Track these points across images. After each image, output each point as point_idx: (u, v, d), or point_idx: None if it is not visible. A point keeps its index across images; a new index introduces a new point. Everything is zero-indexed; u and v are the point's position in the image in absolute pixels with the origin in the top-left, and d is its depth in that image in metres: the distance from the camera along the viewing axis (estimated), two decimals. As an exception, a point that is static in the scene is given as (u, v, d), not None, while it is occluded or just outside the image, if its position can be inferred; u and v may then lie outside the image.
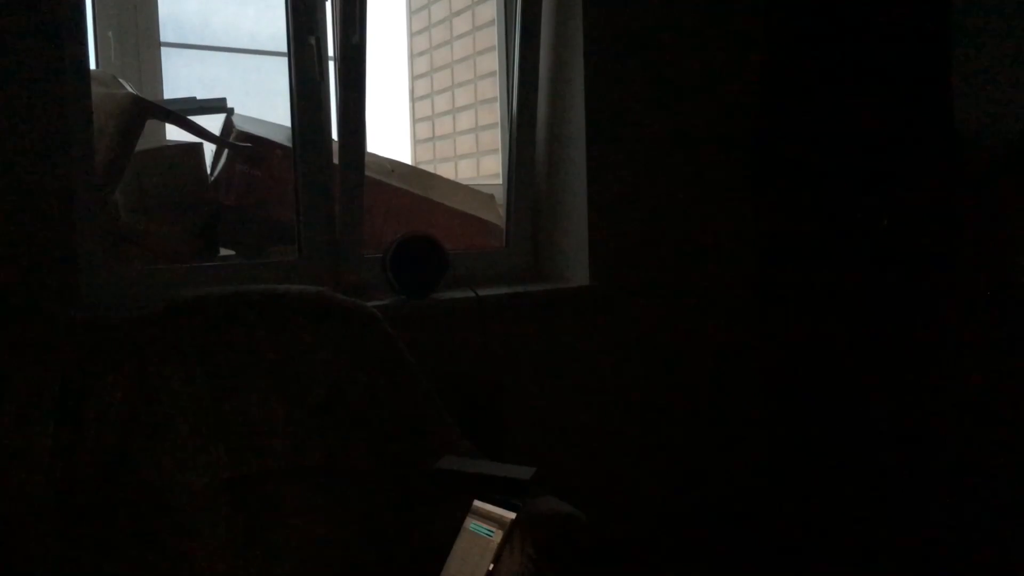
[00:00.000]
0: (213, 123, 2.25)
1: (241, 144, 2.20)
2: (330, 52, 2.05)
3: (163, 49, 2.43)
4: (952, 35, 2.14)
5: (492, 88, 3.18)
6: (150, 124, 2.09)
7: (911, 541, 2.24)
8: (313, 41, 1.98)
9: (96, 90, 1.77)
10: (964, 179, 2.16)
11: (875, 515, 2.34)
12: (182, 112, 2.16)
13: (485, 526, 1.25)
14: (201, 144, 2.19)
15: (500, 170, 2.54)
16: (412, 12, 3.99)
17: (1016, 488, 2.09)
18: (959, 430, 2.20)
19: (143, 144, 2.05)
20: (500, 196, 2.56)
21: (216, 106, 2.28)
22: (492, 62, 3.04)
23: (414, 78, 4.01)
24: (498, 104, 2.59)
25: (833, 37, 2.41)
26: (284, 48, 2.02)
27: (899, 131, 2.28)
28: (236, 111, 2.30)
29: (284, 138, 2.18)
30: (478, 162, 3.54)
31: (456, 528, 1.27)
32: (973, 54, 2.11)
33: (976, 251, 2.15)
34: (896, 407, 2.31)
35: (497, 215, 2.57)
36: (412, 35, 4.01)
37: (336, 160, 2.06)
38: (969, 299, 2.16)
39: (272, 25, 2.14)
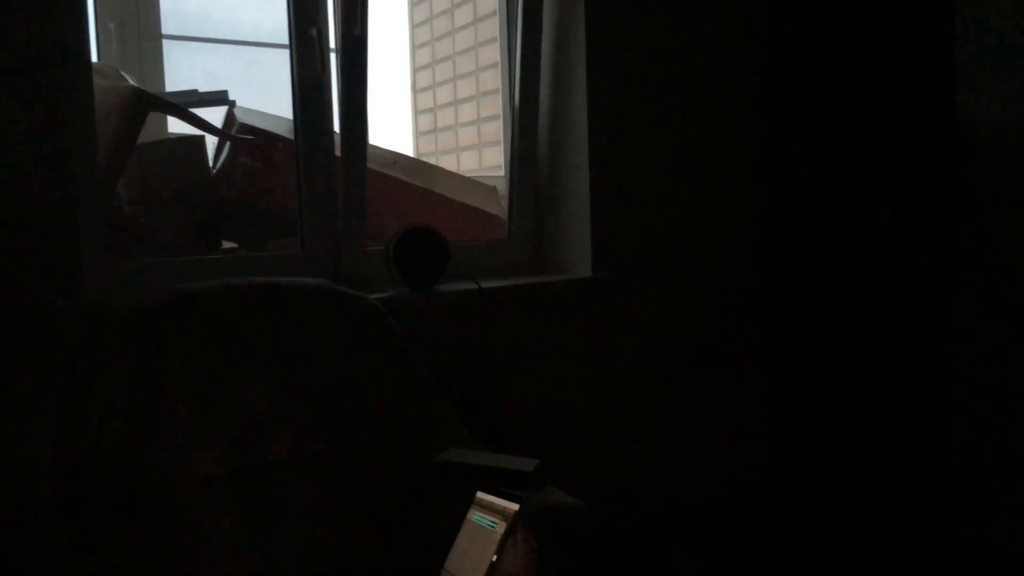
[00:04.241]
0: (215, 116, 2.25)
1: (243, 137, 2.20)
2: (331, 44, 2.04)
3: (164, 41, 2.42)
4: (955, 29, 2.13)
5: (494, 80, 3.17)
6: (152, 117, 2.09)
7: (911, 540, 2.24)
8: (314, 33, 1.98)
9: (98, 83, 1.77)
10: (966, 173, 2.15)
11: (875, 512, 2.34)
12: (184, 105, 2.16)
13: (488, 518, 1.25)
14: (203, 137, 2.19)
15: (502, 162, 2.54)
16: (414, 3, 3.98)
17: (1018, 487, 2.09)
18: (960, 427, 2.19)
19: (145, 137, 2.05)
20: (502, 188, 2.56)
21: (218, 98, 2.27)
22: (494, 53, 3.03)
23: (416, 70, 4.00)
24: (500, 96, 2.59)
25: (836, 30, 2.40)
26: (286, 40, 2.01)
27: (901, 125, 2.27)
28: (238, 103, 2.29)
29: (286, 130, 2.18)
30: (480, 154, 3.53)
31: (460, 520, 1.27)
32: (976, 48, 2.10)
33: (978, 245, 2.14)
34: (896, 400, 2.31)
35: (499, 207, 2.56)
36: (414, 26, 4.00)
37: (338, 152, 2.06)
38: (971, 293, 2.16)
39: (273, 17, 2.13)
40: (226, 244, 2.24)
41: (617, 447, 2.35)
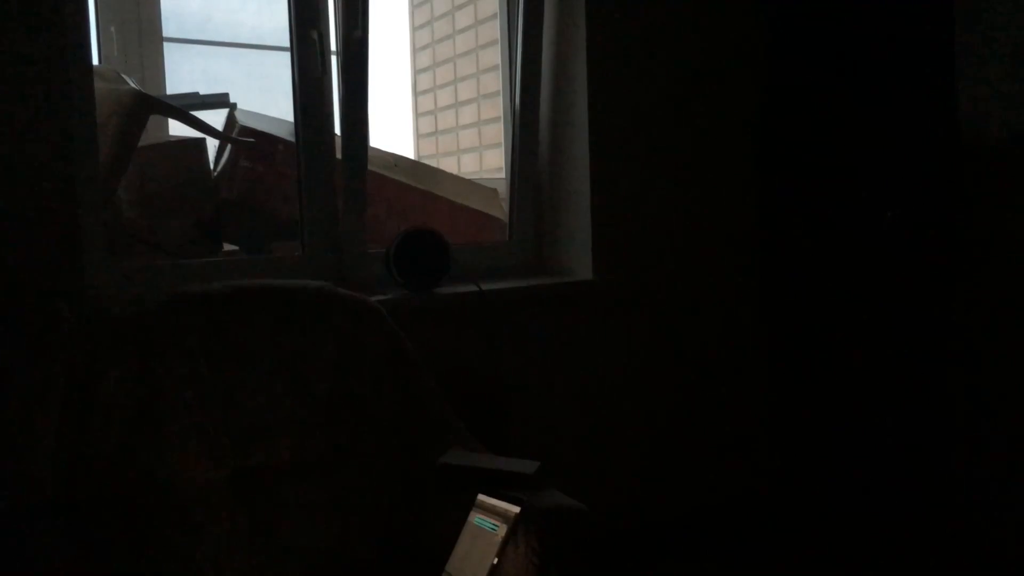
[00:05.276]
0: (216, 118, 2.25)
1: (244, 139, 2.20)
2: (332, 47, 2.04)
3: (165, 44, 2.43)
4: (956, 29, 2.13)
5: (495, 82, 3.18)
6: (153, 119, 2.09)
7: (914, 544, 2.24)
8: (315, 36, 1.98)
9: (99, 86, 1.77)
10: (968, 175, 2.15)
11: (878, 517, 2.33)
12: (185, 107, 2.16)
13: (489, 520, 1.25)
14: (204, 139, 2.19)
15: (503, 164, 2.54)
16: (414, 6, 3.99)
17: (1016, 483, 2.09)
18: (964, 429, 2.19)
19: (146, 140, 2.05)
20: (503, 190, 2.56)
21: (218, 101, 2.27)
22: (495, 56, 3.03)
23: (417, 72, 4.00)
24: (501, 98, 2.59)
25: (837, 32, 2.40)
26: (286, 43, 2.01)
27: (903, 127, 2.27)
28: (239, 106, 2.29)
29: (287, 133, 2.18)
30: (481, 156, 3.53)
31: (460, 522, 1.27)
32: (978, 49, 2.10)
33: (980, 246, 2.14)
34: (898, 402, 2.31)
35: (500, 209, 2.57)
36: (414, 29, 4.00)
37: (339, 155, 2.06)
38: (973, 295, 2.15)
39: (274, 20, 2.13)
40: (227, 246, 2.24)
41: (619, 450, 2.35)
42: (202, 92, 2.27)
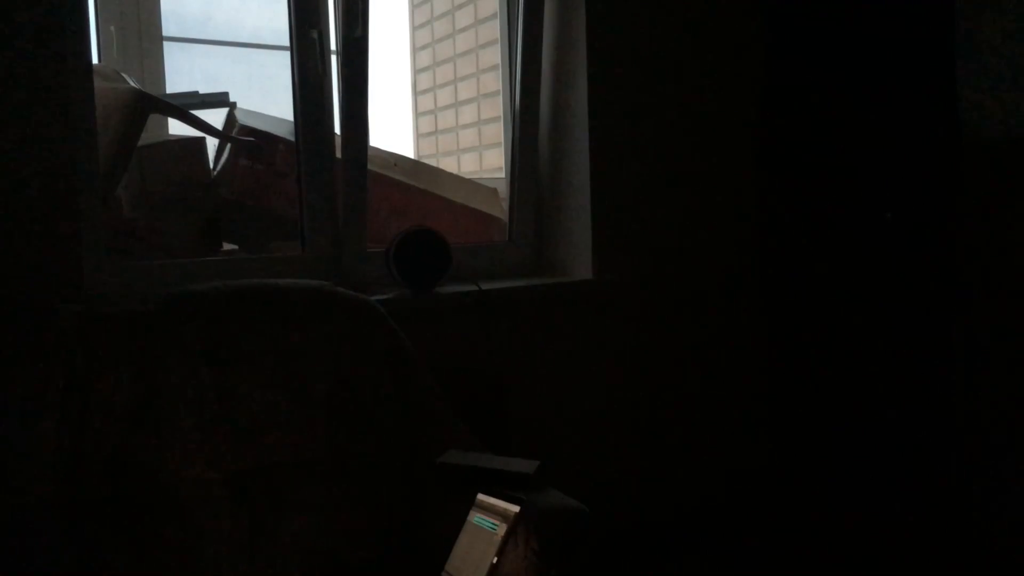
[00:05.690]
0: (215, 117, 2.25)
1: (243, 138, 2.20)
2: (332, 46, 2.04)
3: (165, 43, 2.42)
4: (956, 29, 2.13)
5: (495, 82, 3.17)
6: (153, 119, 2.09)
7: (912, 541, 2.24)
8: (315, 35, 1.98)
9: (99, 84, 1.77)
10: (968, 175, 2.15)
11: (876, 514, 2.33)
12: (184, 106, 2.16)
13: (489, 519, 1.25)
14: (204, 138, 2.19)
15: (503, 164, 2.54)
16: (414, 6, 3.98)
17: (1016, 484, 2.09)
18: (963, 429, 2.19)
19: (145, 139, 2.05)
20: (503, 190, 2.56)
21: (218, 100, 2.27)
22: (495, 56, 3.03)
23: (416, 72, 4.00)
24: (501, 98, 2.59)
25: (837, 30, 2.40)
26: (286, 42, 2.01)
27: (904, 127, 2.27)
28: (238, 105, 2.29)
29: (287, 132, 2.18)
30: (481, 156, 3.53)
31: (460, 522, 1.27)
32: (978, 49, 2.10)
33: (980, 246, 2.14)
34: (898, 402, 2.31)
35: (500, 209, 2.56)
36: (414, 29, 4.00)
37: (339, 154, 2.06)
38: (973, 295, 2.15)
39: (274, 19, 2.13)
40: (227, 246, 2.24)
41: (618, 449, 2.35)
42: (202, 91, 2.27)
